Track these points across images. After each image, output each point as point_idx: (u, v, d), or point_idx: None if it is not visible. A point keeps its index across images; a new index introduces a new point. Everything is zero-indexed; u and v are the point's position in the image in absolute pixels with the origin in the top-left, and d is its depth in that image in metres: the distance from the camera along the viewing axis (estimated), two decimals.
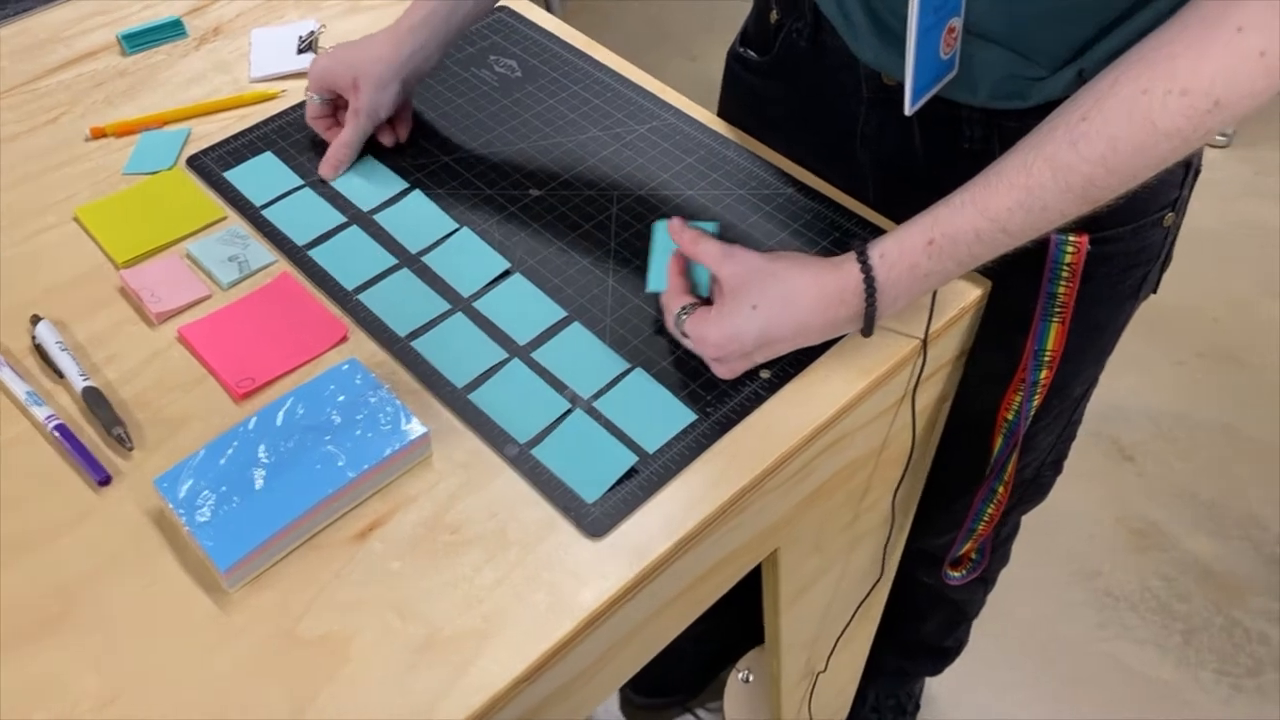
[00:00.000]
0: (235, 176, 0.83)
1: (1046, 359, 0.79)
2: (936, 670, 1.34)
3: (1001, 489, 0.89)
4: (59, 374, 0.69)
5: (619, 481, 0.64)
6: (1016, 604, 1.55)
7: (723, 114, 0.90)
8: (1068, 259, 0.74)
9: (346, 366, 0.68)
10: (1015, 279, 0.76)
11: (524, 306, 0.74)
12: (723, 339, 0.65)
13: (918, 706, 1.42)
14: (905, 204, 0.66)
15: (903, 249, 0.63)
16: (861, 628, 1.09)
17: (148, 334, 0.73)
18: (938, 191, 0.63)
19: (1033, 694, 1.47)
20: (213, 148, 0.86)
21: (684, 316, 0.67)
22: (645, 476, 0.64)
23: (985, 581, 1.14)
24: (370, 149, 0.85)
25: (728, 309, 0.65)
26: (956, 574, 0.99)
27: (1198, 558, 1.62)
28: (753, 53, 0.86)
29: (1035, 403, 0.82)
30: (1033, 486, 0.98)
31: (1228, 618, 1.55)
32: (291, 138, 0.87)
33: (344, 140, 0.82)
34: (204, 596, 0.59)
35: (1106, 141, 0.56)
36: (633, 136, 0.86)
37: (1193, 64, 0.53)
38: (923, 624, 1.21)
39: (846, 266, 0.64)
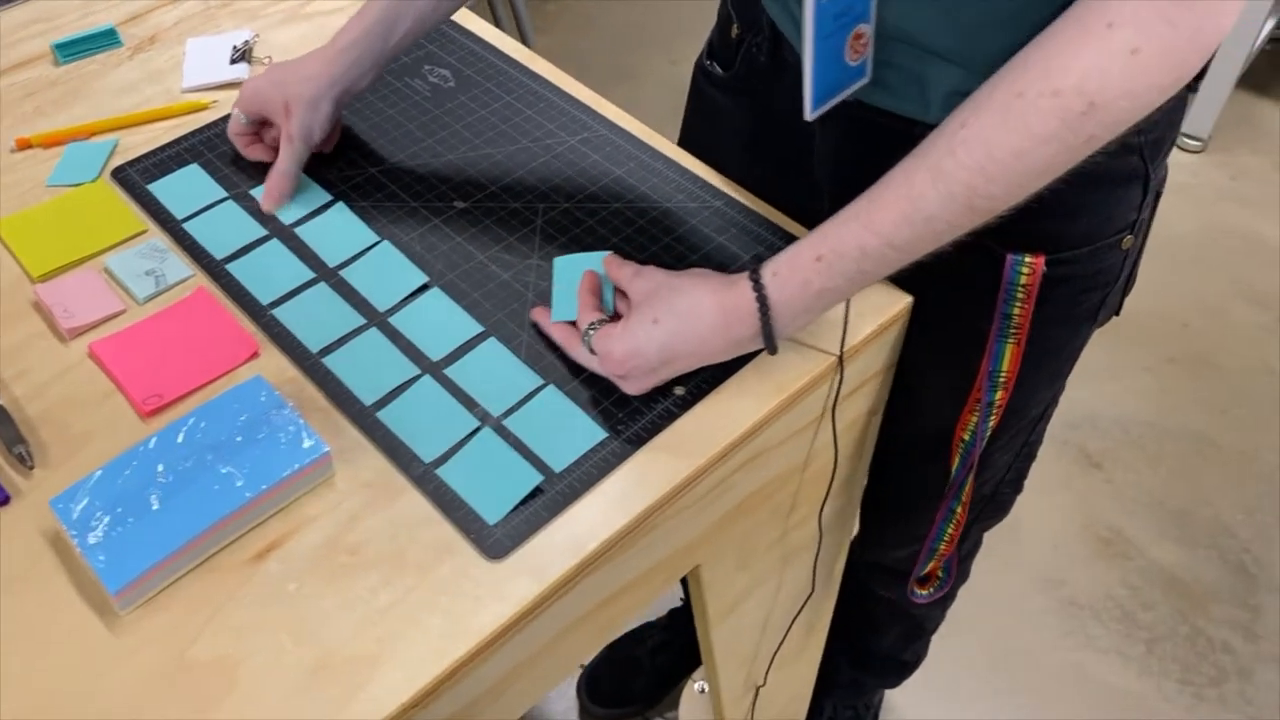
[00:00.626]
0: (159, 189, 0.82)
1: (1002, 380, 0.78)
2: (895, 683, 1.33)
3: (960, 509, 0.88)
4: None
5: (524, 501, 0.63)
6: (979, 614, 1.54)
7: (687, 126, 0.90)
8: (1023, 280, 0.73)
9: (251, 384, 0.67)
10: (970, 298, 0.75)
11: (440, 321, 0.73)
12: (625, 354, 0.65)
13: (876, 717, 1.41)
14: None
15: (793, 266, 0.63)
16: (809, 640, 1.08)
17: (59, 350, 0.72)
18: None
19: (994, 704, 1.47)
20: (139, 159, 0.85)
21: (591, 332, 0.67)
22: (551, 496, 0.63)
23: (944, 598, 1.13)
24: (307, 162, 0.84)
25: (631, 324, 0.66)
26: (924, 592, 0.98)
27: (1163, 566, 1.61)
28: (718, 67, 0.85)
29: (991, 423, 0.81)
30: (991, 504, 0.97)
31: (1192, 627, 1.54)
32: (219, 149, 0.86)
33: (281, 170, 0.79)
34: (96, 619, 0.59)
35: (983, 148, 0.55)
36: (563, 148, 0.86)
37: (1064, 64, 0.53)
38: (880, 637, 1.20)
39: (741, 284, 0.64)
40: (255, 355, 0.71)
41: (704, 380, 0.69)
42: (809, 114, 0.65)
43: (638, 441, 0.66)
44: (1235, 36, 2.07)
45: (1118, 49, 0.51)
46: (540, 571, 0.60)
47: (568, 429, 0.67)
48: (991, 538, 1.63)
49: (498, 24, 2.01)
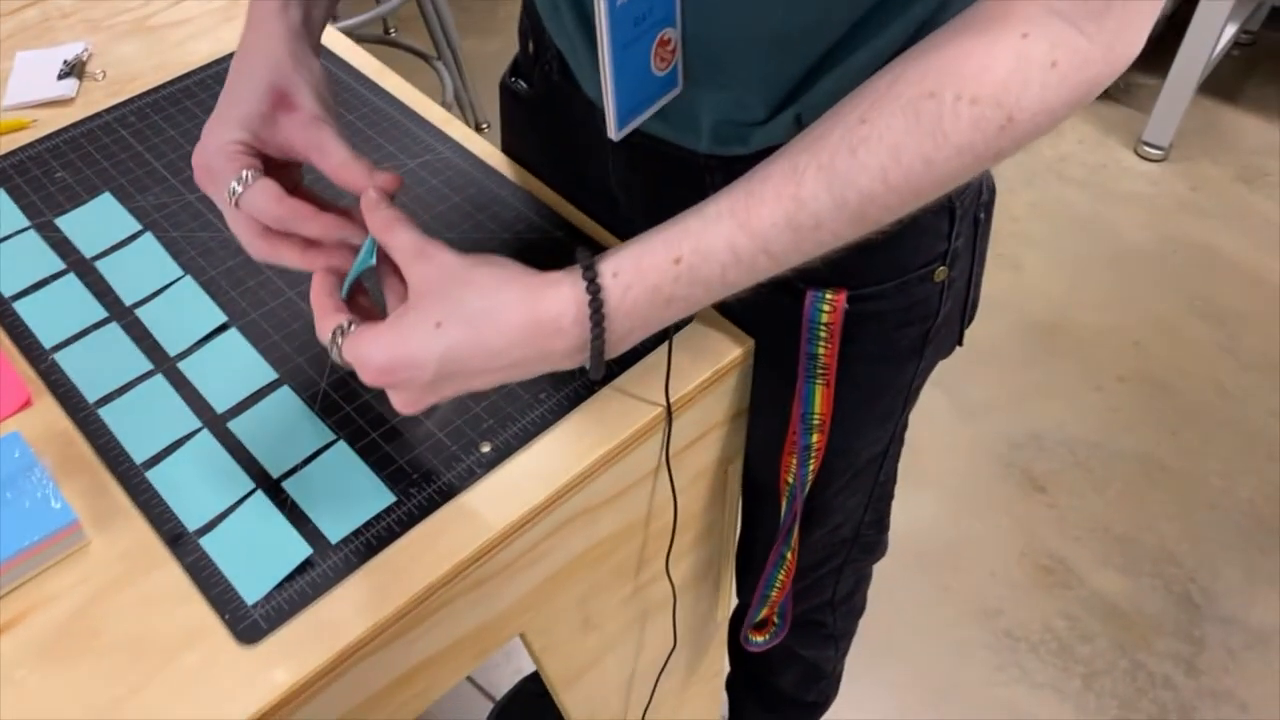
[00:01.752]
0: None
1: (815, 422, 0.72)
2: None
3: (790, 554, 0.82)
4: None
5: (290, 577, 0.57)
6: (910, 642, 1.48)
7: (505, 147, 0.83)
8: (824, 319, 0.67)
9: (5, 441, 0.60)
10: (776, 338, 0.69)
11: (233, 367, 0.67)
12: (391, 362, 0.50)
13: None
14: None
15: (641, 267, 0.50)
16: (688, 692, 1.02)
17: None
18: None
19: None
20: None
21: (340, 339, 0.52)
22: (320, 571, 0.57)
23: (833, 638, 1.07)
24: (118, 189, 0.77)
25: (405, 323, 0.50)
26: (758, 639, 0.92)
27: (1105, 596, 1.54)
28: (522, 83, 0.79)
29: (812, 466, 0.75)
30: (857, 546, 0.91)
31: (1132, 660, 1.48)
32: (30, 173, 0.79)
33: (339, 160, 0.56)
34: None
35: (888, 151, 0.47)
36: (402, 171, 0.79)
37: (979, 70, 0.46)
38: (777, 679, 1.14)
39: (567, 287, 0.50)
40: (27, 405, 0.65)
41: (513, 436, 0.63)
42: (614, 133, 0.58)
43: (429, 507, 0.60)
44: (1195, 40, 2.00)
45: (1037, 60, 0.45)
46: (297, 660, 0.54)
47: (352, 492, 0.60)
48: (925, 565, 1.58)
49: (426, 20, 1.94)
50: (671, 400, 0.65)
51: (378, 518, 0.59)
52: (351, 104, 0.85)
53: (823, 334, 0.67)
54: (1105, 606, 1.53)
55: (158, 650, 0.54)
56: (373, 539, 0.58)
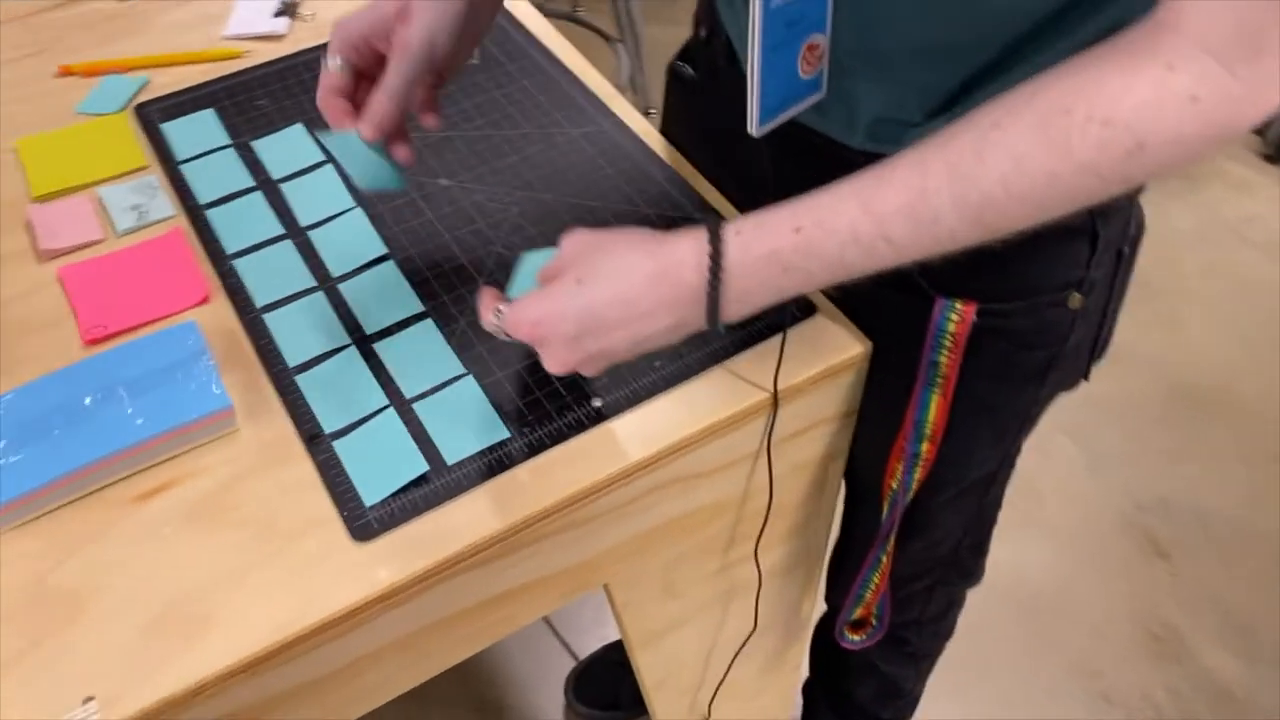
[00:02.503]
0: (171, 129, 0.85)
1: (928, 431, 0.73)
2: None
3: (885, 558, 0.83)
4: None
5: (406, 488, 0.62)
6: (999, 682, 1.45)
7: (664, 129, 0.86)
8: (951, 328, 0.68)
9: (182, 328, 0.68)
10: (898, 341, 0.71)
11: (385, 294, 0.72)
12: (539, 316, 0.56)
13: None
14: None
15: (762, 230, 0.53)
16: (766, 680, 1.04)
17: (33, 269, 0.75)
18: None
19: None
20: (161, 98, 0.88)
21: (501, 312, 0.58)
22: (434, 488, 0.62)
23: (915, 657, 1.06)
24: (315, 119, 0.85)
25: (552, 285, 0.56)
26: (855, 637, 0.93)
27: (1217, 678, 1.47)
28: (689, 68, 0.82)
29: (917, 475, 0.76)
30: (953, 566, 0.91)
31: None
32: (238, 98, 0.88)
33: (388, 86, 0.61)
34: None
35: (1014, 159, 0.48)
36: (563, 139, 0.84)
37: (1116, 94, 0.47)
38: (854, 688, 1.15)
39: (691, 240, 0.54)
40: (205, 301, 0.73)
41: (624, 397, 0.66)
42: (754, 129, 0.61)
43: (538, 447, 0.64)
44: None
45: (1177, 92, 0.46)
46: (400, 563, 0.59)
47: (471, 423, 0.65)
48: (1030, 606, 1.54)
49: (614, 2, 2.00)
50: (780, 389, 0.67)
51: (490, 449, 0.64)
52: (528, 70, 0.90)
53: (947, 343, 0.68)
54: (1215, 688, 1.46)
55: (282, 533, 0.61)
56: (483, 467, 0.63)
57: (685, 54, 0.83)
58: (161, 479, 0.63)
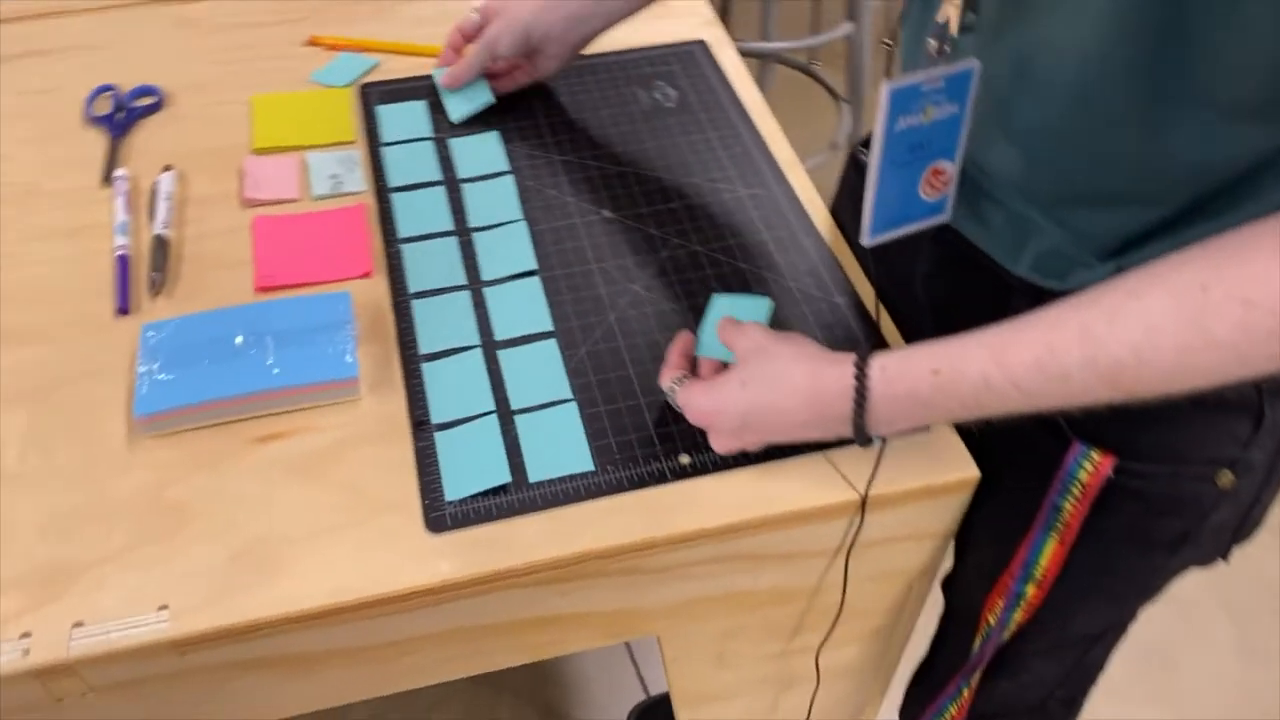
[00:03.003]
0: (384, 111, 0.93)
1: (1037, 575, 0.70)
2: None
3: (967, 691, 0.80)
4: (152, 216, 0.82)
5: (487, 493, 0.65)
6: None
7: (833, 208, 0.87)
8: (1083, 476, 0.66)
9: (337, 296, 0.74)
10: (1025, 476, 0.69)
11: (523, 307, 0.76)
12: (708, 409, 0.64)
13: None
14: None
15: (905, 368, 0.58)
16: None
17: (234, 212, 0.84)
18: None
19: None
20: (384, 82, 0.96)
21: (675, 387, 0.67)
22: (511, 499, 0.65)
23: None
24: (509, 131, 0.90)
25: (719, 381, 0.64)
26: None
27: None
28: (866, 155, 0.82)
29: (1017, 616, 0.73)
30: (1039, 717, 0.87)
31: None
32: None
33: (465, 60, 0.90)
34: (123, 431, 0.68)
35: (1146, 329, 0.49)
36: (729, 196, 0.86)
37: (1260, 274, 0.46)
38: None
39: (842, 366, 0.60)
40: (367, 275, 0.79)
41: (714, 460, 0.67)
42: (865, 239, 0.62)
43: (615, 488, 0.66)
44: None
45: None
46: (462, 561, 0.62)
47: (562, 447, 0.68)
48: None
49: (848, 62, 2.00)
50: (871, 494, 0.66)
51: (573, 477, 0.66)
52: (717, 123, 0.92)
53: (1075, 491, 0.66)
54: None
55: (367, 504, 0.65)
56: (560, 492, 0.65)
57: (868, 141, 0.83)
58: (281, 427, 0.69)
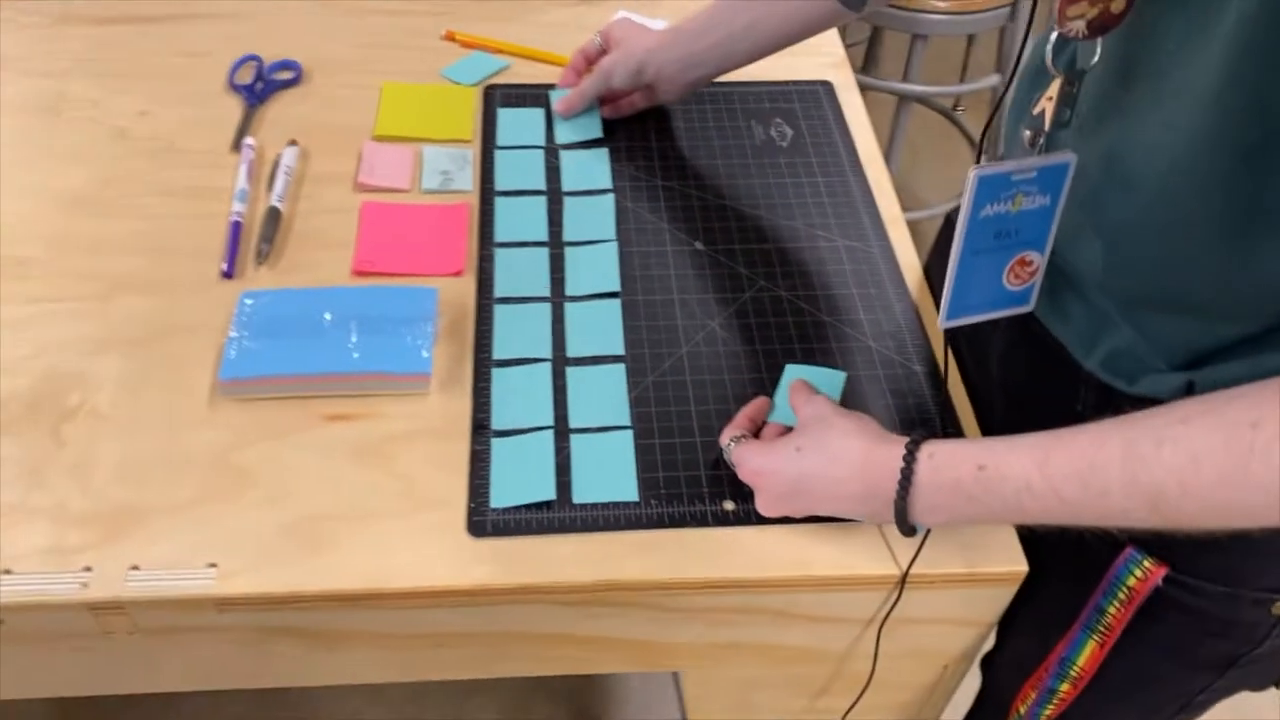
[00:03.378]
0: (503, 114, 0.95)
1: (1073, 673, 0.69)
2: None
3: None
4: (270, 187, 0.86)
5: (529, 506, 0.66)
6: None
7: (926, 267, 0.85)
8: (1131, 581, 0.64)
9: (424, 291, 0.77)
10: (1071, 572, 0.67)
11: (598, 327, 0.77)
12: (758, 470, 0.65)
13: None
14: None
15: (952, 460, 0.58)
16: None
17: (346, 194, 0.87)
18: None
19: None
20: (509, 85, 0.99)
21: (732, 445, 0.67)
22: (553, 517, 0.66)
23: None
24: (618, 149, 0.92)
25: (777, 444, 0.65)
26: None
27: None
28: None
29: (1048, 711, 0.72)
30: None
31: None
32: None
33: (580, 88, 0.92)
34: (206, 389, 0.72)
35: (1190, 456, 0.48)
36: (825, 245, 0.85)
37: None
38: None
39: (895, 447, 0.60)
40: (458, 274, 0.81)
41: (756, 512, 0.67)
42: (940, 322, 0.61)
43: (655, 523, 0.66)
44: None
45: None
46: (497, 568, 0.64)
47: (610, 473, 0.68)
48: None
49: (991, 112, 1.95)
50: (911, 573, 0.65)
51: (615, 504, 0.67)
52: (826, 166, 0.92)
53: (1121, 595, 0.65)
54: None
55: (417, 497, 0.67)
56: (601, 518, 0.66)
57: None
58: (350, 409, 0.72)
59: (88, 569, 0.62)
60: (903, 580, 0.65)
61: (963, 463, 0.57)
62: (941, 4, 1.64)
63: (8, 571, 0.62)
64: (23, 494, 0.66)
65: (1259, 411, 0.46)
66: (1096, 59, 0.54)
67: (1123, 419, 0.51)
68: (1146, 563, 0.63)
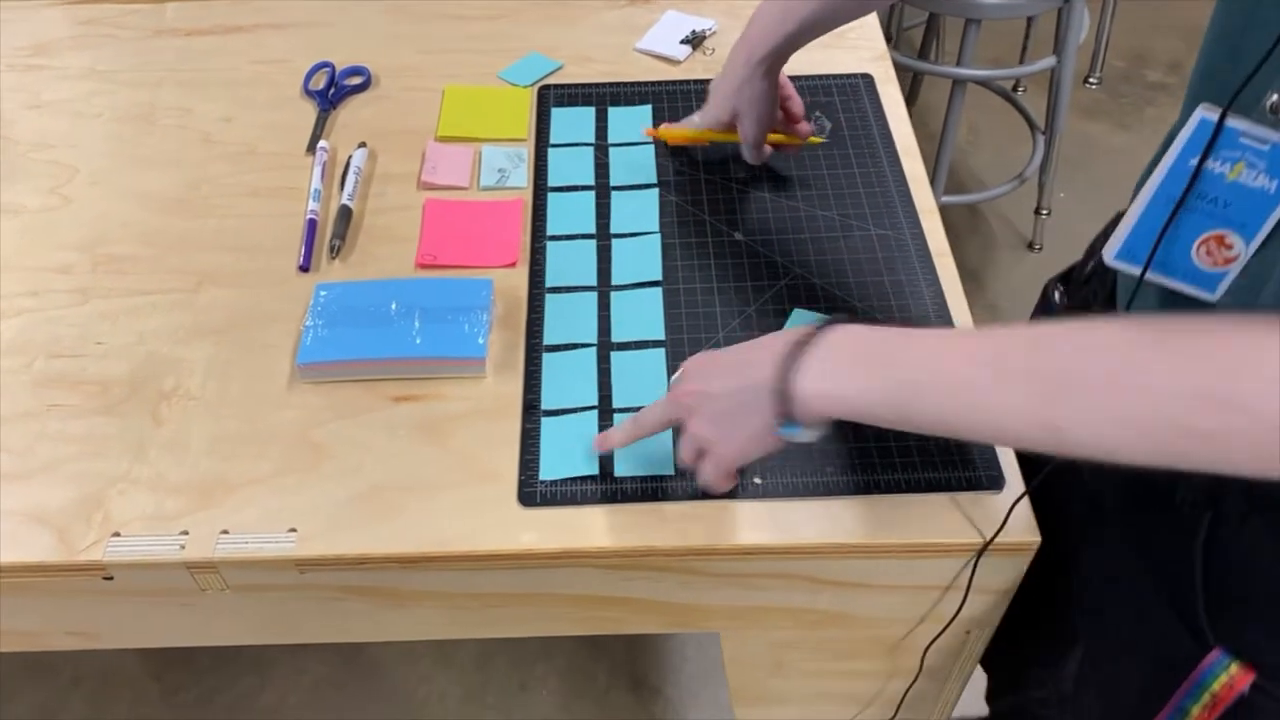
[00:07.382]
0: (557, 114, 1.01)
1: None
2: None
3: None
4: (342, 187, 0.94)
5: (575, 479, 0.73)
6: None
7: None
8: (1215, 685, 0.62)
9: (481, 282, 0.83)
10: (1155, 670, 0.67)
11: (641, 314, 0.83)
12: (693, 361, 0.67)
13: None
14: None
15: (867, 328, 0.59)
16: None
17: (410, 192, 0.94)
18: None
19: None
20: (562, 86, 1.04)
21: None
22: (596, 489, 0.72)
23: None
24: (663, 145, 0.97)
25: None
26: None
27: None
28: (1061, 295, 0.80)
29: None
30: None
31: None
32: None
33: (744, 138, 0.91)
34: (286, 374, 0.80)
35: (1095, 347, 0.49)
36: (860, 234, 0.89)
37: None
38: None
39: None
40: (512, 265, 0.88)
41: (782, 486, 0.72)
42: (1108, 257, 0.59)
43: (690, 495, 0.72)
44: None
45: None
46: (544, 535, 0.70)
47: (651, 450, 0.74)
48: None
49: (1050, 94, 1.94)
50: (945, 541, 0.69)
51: (654, 478, 0.73)
52: (863, 158, 0.96)
53: (1205, 699, 0.63)
54: None
55: (474, 471, 0.74)
56: (640, 490, 0.72)
57: (1066, 277, 0.81)
58: (414, 391, 0.79)
59: (184, 533, 0.71)
60: (973, 574, 0.69)
61: (874, 329, 0.59)
62: None
63: (117, 534, 0.70)
64: (128, 466, 0.74)
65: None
66: None
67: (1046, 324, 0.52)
68: (1233, 668, 0.61)
